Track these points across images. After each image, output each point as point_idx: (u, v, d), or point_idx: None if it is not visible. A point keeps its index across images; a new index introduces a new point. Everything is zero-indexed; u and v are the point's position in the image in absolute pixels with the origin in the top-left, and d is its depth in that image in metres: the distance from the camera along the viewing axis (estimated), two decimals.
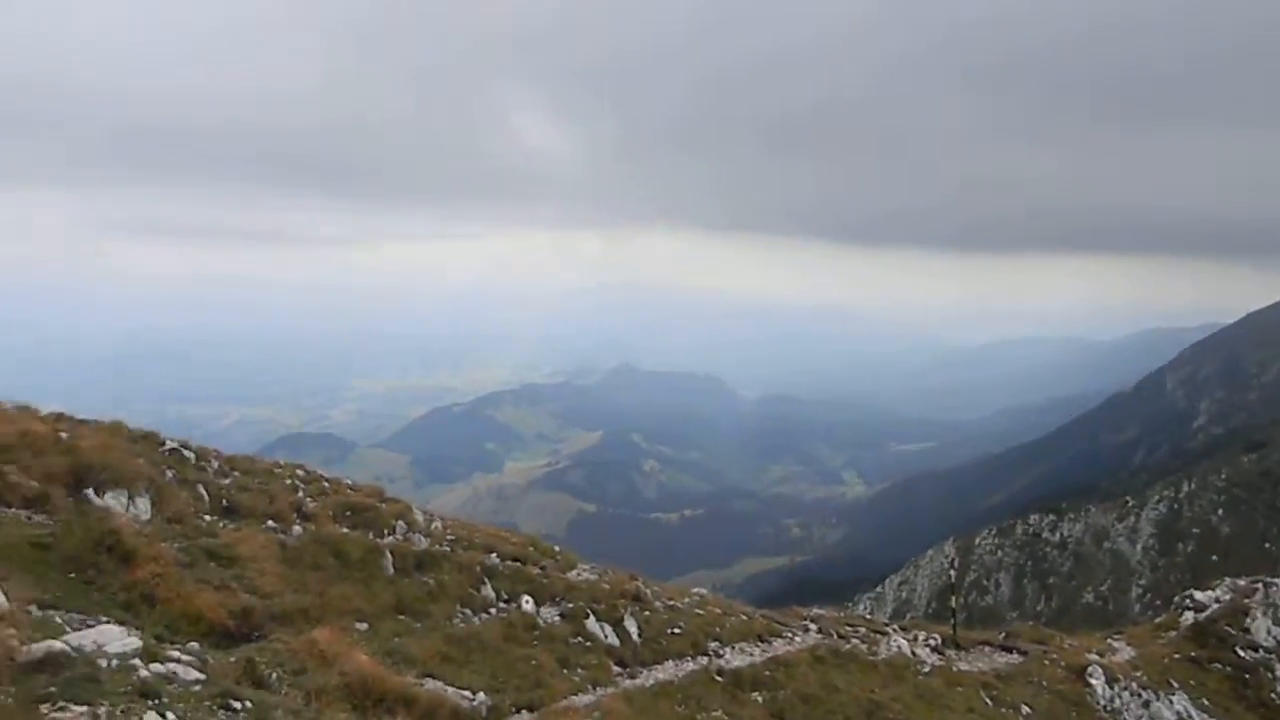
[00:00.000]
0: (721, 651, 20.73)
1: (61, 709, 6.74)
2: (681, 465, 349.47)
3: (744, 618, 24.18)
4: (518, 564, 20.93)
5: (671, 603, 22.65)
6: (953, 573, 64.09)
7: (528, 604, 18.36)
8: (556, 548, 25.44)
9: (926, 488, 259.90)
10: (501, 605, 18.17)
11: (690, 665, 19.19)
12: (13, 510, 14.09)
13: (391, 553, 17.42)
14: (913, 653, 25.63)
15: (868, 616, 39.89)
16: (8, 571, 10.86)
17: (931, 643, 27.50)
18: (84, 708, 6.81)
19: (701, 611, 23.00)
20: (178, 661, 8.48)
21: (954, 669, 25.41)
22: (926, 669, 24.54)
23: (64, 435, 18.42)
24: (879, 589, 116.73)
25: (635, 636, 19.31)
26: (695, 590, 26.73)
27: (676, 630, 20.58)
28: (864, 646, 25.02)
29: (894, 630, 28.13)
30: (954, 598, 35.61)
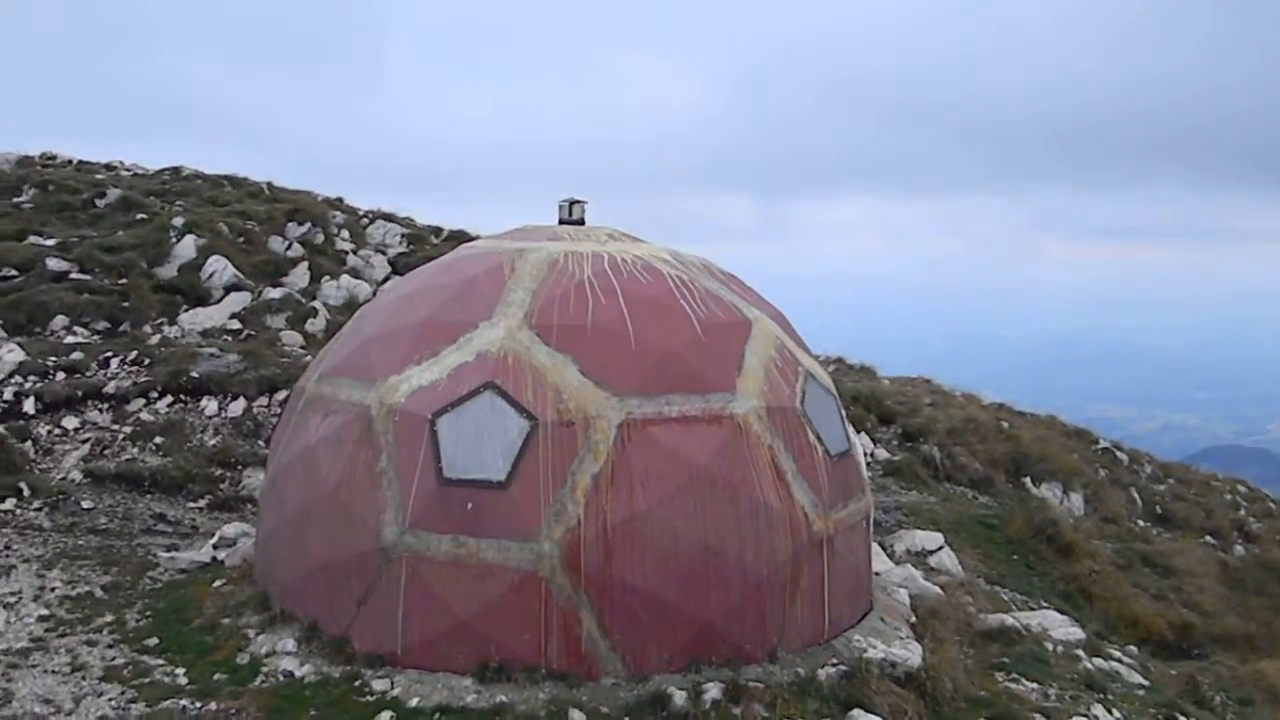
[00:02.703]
0: None
1: (1014, 680, 7.23)
2: None
3: None
4: None
5: None
6: None
7: None
8: None
9: None
10: None
11: None
12: (960, 488, 15.63)
13: None
14: None
15: None
16: (959, 544, 12.03)
17: None
18: (1034, 685, 7.20)
19: None
20: (1119, 661, 8.46)
21: None
22: None
23: (1004, 424, 19.80)
24: None
25: None
26: None
27: None
28: None
29: None
30: None
